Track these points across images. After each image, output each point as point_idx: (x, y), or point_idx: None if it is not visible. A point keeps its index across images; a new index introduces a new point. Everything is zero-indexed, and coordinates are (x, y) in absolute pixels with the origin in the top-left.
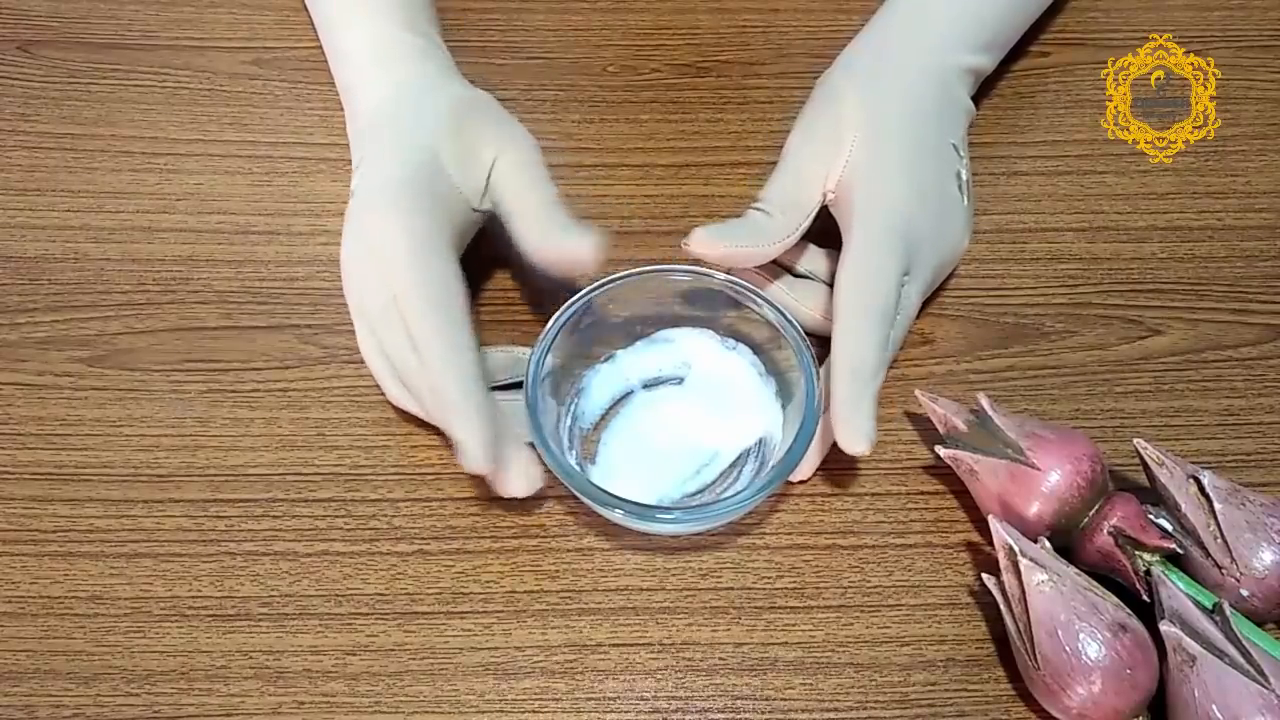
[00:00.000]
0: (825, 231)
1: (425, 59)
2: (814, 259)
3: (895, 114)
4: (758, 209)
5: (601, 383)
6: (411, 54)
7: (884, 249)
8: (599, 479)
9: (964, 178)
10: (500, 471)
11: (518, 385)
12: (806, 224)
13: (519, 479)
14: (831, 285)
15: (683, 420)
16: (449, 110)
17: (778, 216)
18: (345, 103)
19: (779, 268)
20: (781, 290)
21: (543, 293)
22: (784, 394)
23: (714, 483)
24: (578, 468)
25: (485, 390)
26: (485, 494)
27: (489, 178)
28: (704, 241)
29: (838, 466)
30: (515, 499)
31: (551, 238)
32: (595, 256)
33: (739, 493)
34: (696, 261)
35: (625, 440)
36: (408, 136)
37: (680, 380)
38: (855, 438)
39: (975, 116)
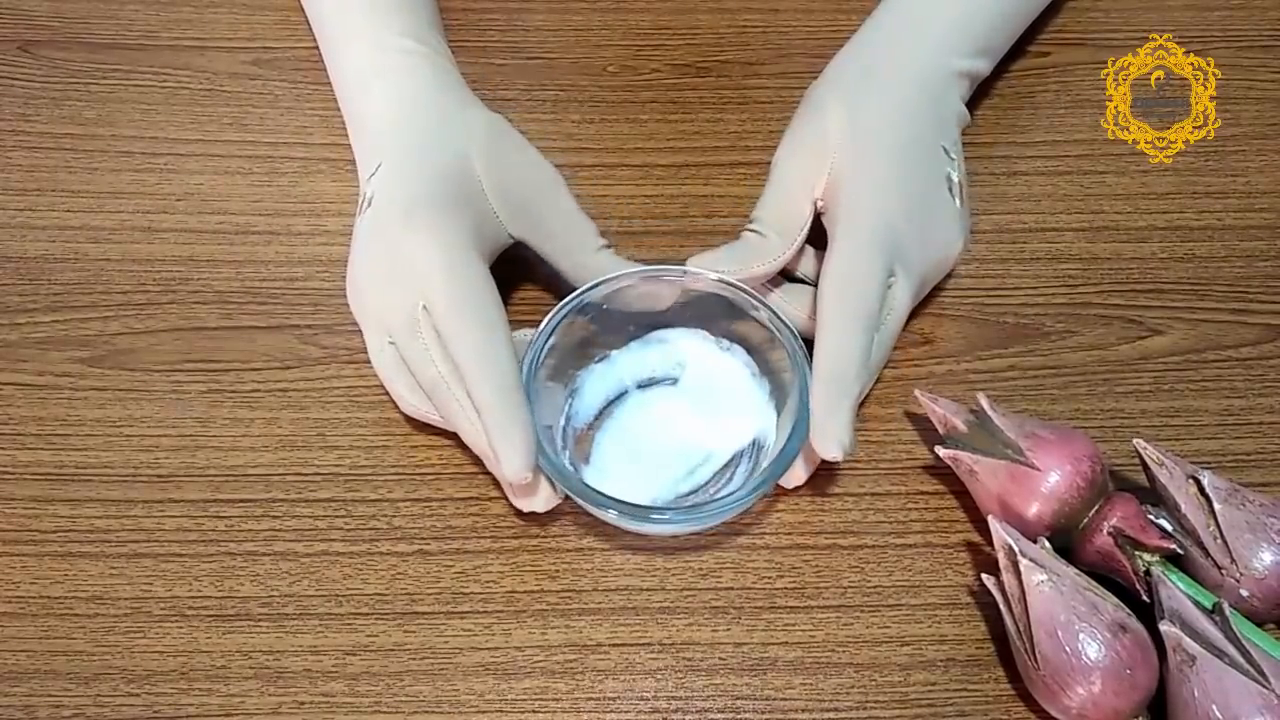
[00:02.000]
0: (823, 234)
1: (432, 68)
2: (810, 262)
3: (878, 119)
4: (752, 230)
5: (596, 382)
6: (418, 63)
7: (866, 255)
8: (592, 479)
9: (955, 180)
10: (526, 486)
11: None
12: (802, 237)
13: (541, 495)
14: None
15: (676, 421)
16: (482, 134)
17: (772, 236)
18: (348, 111)
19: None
20: (776, 295)
21: (542, 290)
22: (778, 395)
23: (707, 483)
24: (571, 468)
25: (525, 401)
26: (485, 494)
27: (528, 212)
28: (701, 269)
29: (838, 467)
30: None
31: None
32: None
33: (733, 493)
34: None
35: (619, 441)
36: (437, 147)
37: (674, 380)
38: (828, 444)
39: (970, 121)
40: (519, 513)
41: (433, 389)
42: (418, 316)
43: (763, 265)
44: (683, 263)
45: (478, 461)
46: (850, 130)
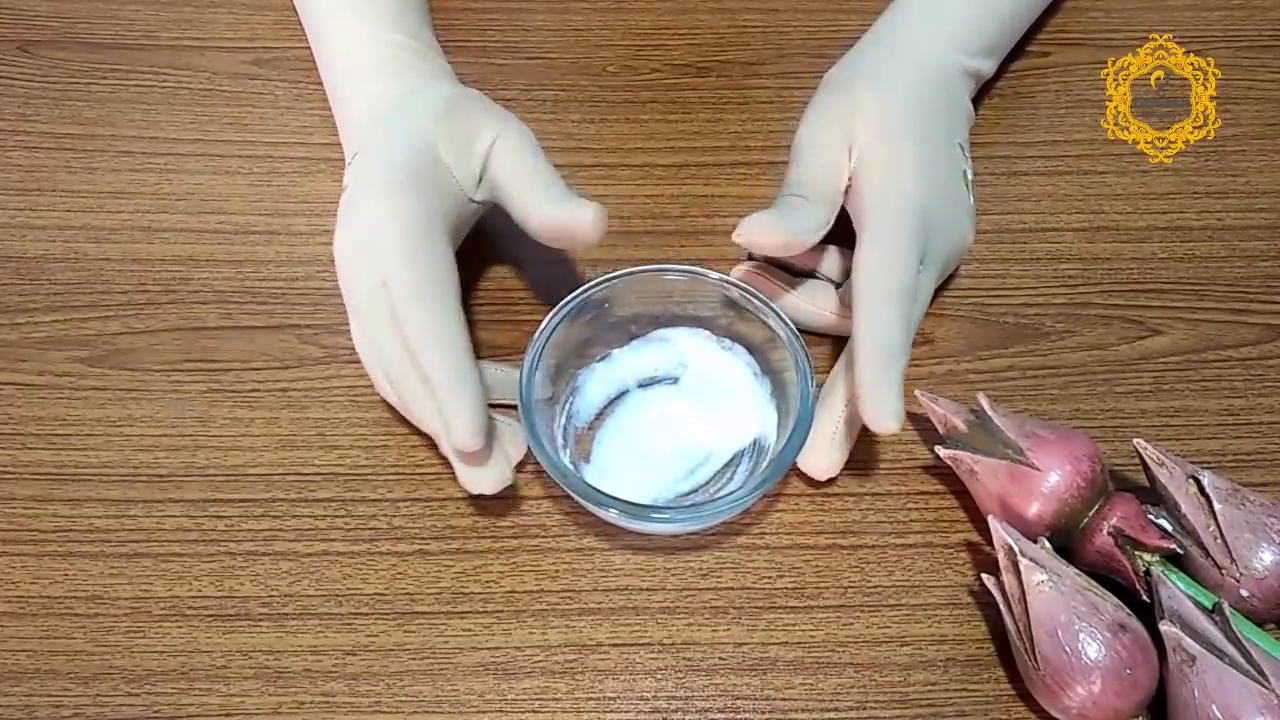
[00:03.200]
0: (838, 233)
1: (420, 60)
2: (833, 261)
3: (905, 107)
4: (795, 195)
5: (597, 381)
6: (404, 56)
7: (903, 231)
8: (593, 478)
9: (969, 177)
10: (472, 465)
11: (511, 406)
12: (839, 204)
13: (489, 475)
14: (838, 285)
15: (677, 420)
16: (442, 102)
17: (817, 201)
18: (335, 106)
19: (783, 270)
20: (794, 295)
21: (543, 290)
22: (779, 395)
23: (708, 483)
24: (571, 467)
25: (475, 369)
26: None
27: (485, 164)
28: (763, 228)
29: None
30: (510, 498)
31: (552, 210)
32: (598, 227)
33: (733, 492)
34: (694, 262)
35: (620, 440)
36: (401, 129)
37: (675, 380)
38: (884, 414)
39: (975, 121)
40: (515, 503)
41: (388, 365)
42: (376, 292)
43: (814, 228)
44: (684, 262)
45: None
46: (879, 115)
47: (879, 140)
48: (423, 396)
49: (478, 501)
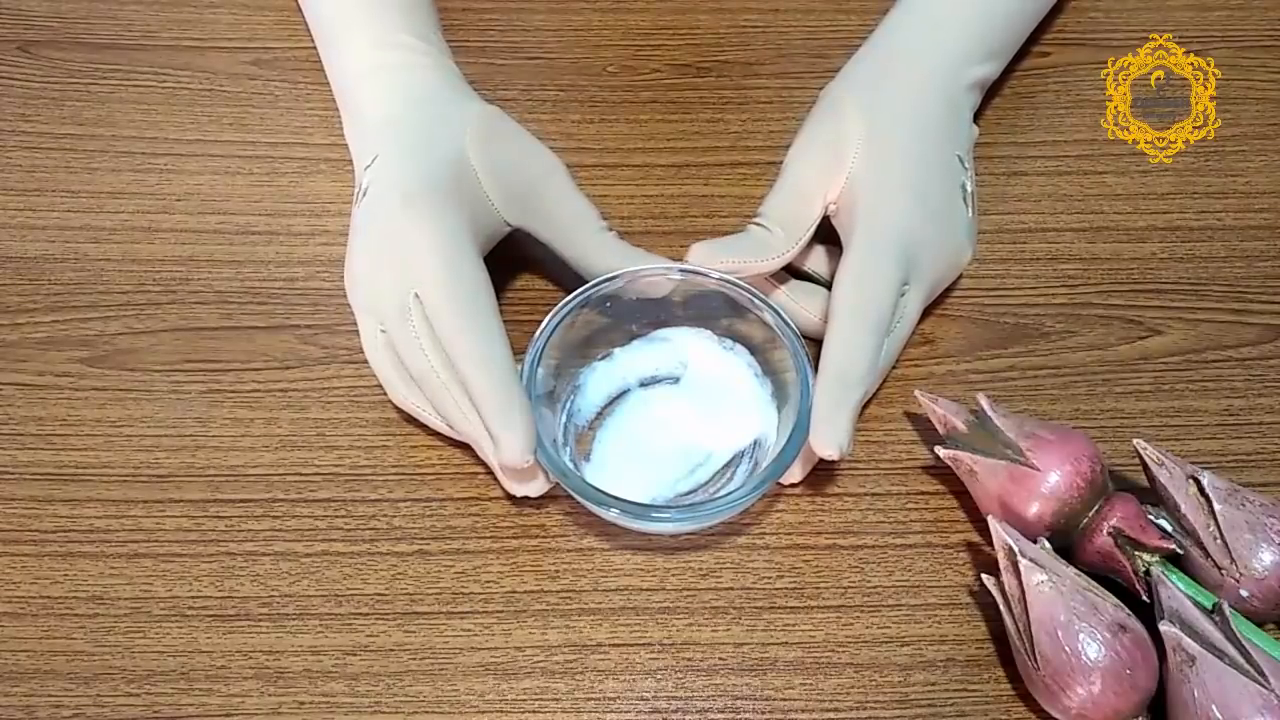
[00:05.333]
0: (831, 231)
1: (432, 63)
2: (818, 258)
3: (899, 125)
4: (758, 224)
5: (598, 381)
6: (418, 59)
7: (883, 260)
8: (593, 477)
9: (969, 189)
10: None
11: None
12: (807, 237)
13: (538, 480)
14: (829, 284)
15: (678, 420)
16: (475, 124)
17: (777, 231)
18: (344, 104)
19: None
20: (782, 293)
21: (544, 289)
22: (779, 395)
23: (708, 483)
24: (572, 466)
25: (521, 386)
26: (485, 494)
27: (529, 196)
28: (703, 256)
29: (838, 467)
30: (514, 499)
31: (614, 263)
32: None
33: (733, 491)
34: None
35: (620, 439)
36: (432, 138)
37: (676, 380)
38: (826, 443)
39: (978, 135)
40: (515, 503)
41: (422, 378)
42: (409, 304)
43: (764, 261)
44: (684, 262)
45: (478, 461)
46: (869, 135)
47: (867, 162)
48: (465, 408)
49: (478, 501)
